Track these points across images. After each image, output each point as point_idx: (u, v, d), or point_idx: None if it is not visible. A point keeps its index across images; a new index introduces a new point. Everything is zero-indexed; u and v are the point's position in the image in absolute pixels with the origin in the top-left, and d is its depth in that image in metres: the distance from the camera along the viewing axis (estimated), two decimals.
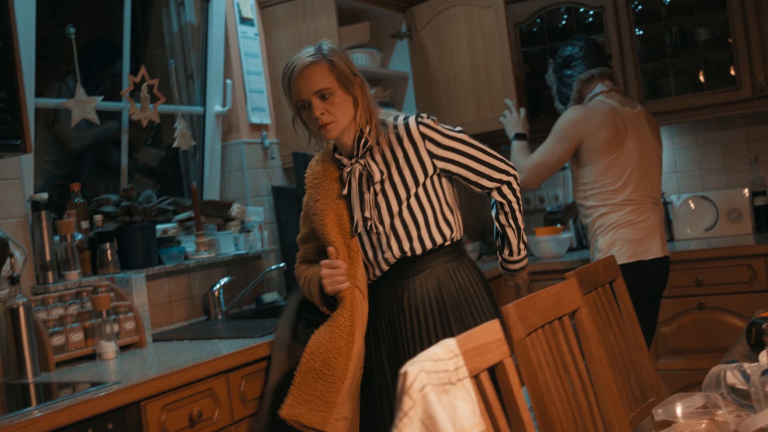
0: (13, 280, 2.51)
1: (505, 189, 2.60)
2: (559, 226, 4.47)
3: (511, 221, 2.64)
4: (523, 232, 2.69)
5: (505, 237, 2.68)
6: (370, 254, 2.54)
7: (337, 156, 2.55)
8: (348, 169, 2.51)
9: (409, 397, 1.42)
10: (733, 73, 4.24)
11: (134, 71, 3.29)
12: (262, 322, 3.14)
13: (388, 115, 2.55)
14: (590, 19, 4.57)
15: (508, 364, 1.74)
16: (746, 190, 4.42)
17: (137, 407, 2.25)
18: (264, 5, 3.99)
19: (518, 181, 2.62)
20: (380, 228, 2.50)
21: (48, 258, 2.80)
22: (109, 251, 2.99)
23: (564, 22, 4.66)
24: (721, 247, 3.99)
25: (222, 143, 3.82)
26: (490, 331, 1.74)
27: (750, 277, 3.89)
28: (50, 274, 2.80)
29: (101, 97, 3.09)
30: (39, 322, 2.59)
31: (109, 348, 2.70)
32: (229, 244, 3.56)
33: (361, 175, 2.48)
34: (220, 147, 3.80)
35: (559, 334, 2.19)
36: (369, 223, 2.49)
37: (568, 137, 3.58)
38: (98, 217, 3.08)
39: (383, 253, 2.51)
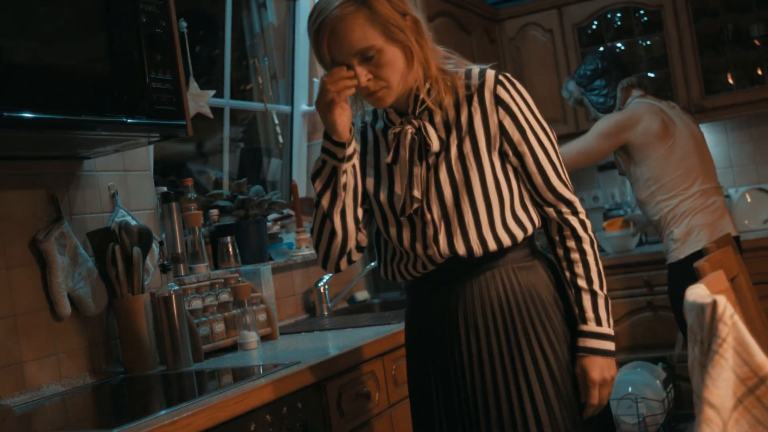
0: (164, 269, 2.47)
1: (567, 214, 1.90)
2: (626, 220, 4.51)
3: (575, 260, 1.89)
4: (600, 291, 1.89)
5: (569, 288, 1.91)
6: (410, 244, 1.91)
7: (386, 109, 1.94)
8: (396, 130, 1.90)
9: (724, 324, 1.42)
10: None
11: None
12: (380, 314, 3.13)
13: (456, 65, 1.93)
14: (645, 18, 4.65)
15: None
16: None
17: (319, 387, 2.22)
18: None
19: (586, 216, 1.94)
20: (428, 215, 1.87)
21: (180, 250, 2.76)
22: (230, 245, 2.95)
23: (619, 23, 4.74)
24: None
25: (307, 142, 3.81)
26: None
27: None
28: (182, 266, 2.76)
29: (214, 92, 3.07)
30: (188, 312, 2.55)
31: (251, 338, 2.66)
32: None
33: (413, 140, 1.88)
34: (306, 146, 3.79)
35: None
36: (416, 206, 1.87)
37: (612, 134, 3.60)
38: (214, 212, 3.05)
39: (426, 248, 1.88)
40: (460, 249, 1.86)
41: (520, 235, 1.88)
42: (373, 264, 3.56)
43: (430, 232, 1.87)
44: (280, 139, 3.50)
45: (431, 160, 1.87)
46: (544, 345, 1.86)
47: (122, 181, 2.64)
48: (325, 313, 3.37)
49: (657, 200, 3.62)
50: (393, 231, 1.93)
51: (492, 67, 1.91)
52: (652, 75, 4.64)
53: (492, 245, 1.86)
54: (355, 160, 1.88)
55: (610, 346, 1.87)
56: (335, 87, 1.78)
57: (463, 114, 1.87)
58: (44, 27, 1.94)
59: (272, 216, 3.39)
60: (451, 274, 1.91)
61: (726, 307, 1.45)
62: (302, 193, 3.78)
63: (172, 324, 2.45)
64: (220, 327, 2.66)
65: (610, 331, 1.88)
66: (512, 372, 1.85)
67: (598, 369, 1.86)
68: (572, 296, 1.89)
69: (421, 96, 1.87)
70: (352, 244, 1.95)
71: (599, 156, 3.71)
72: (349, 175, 1.87)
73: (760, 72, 4.43)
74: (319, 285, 3.39)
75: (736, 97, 4.37)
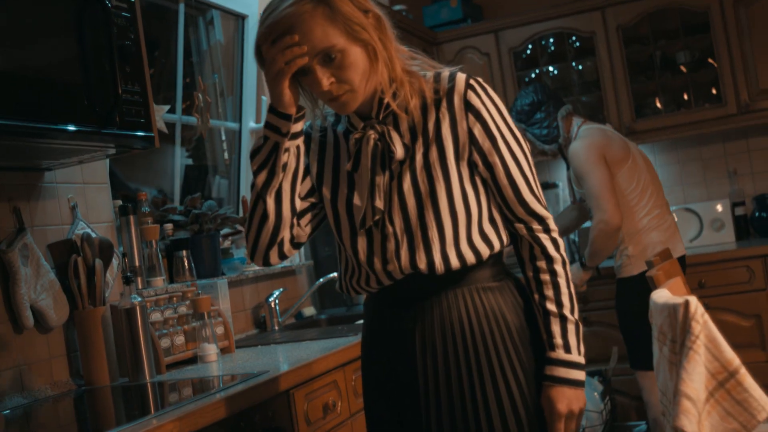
0: (128, 281, 2.47)
1: (538, 231, 1.75)
2: None
3: (545, 281, 1.74)
4: (571, 315, 1.73)
5: (538, 311, 1.76)
6: (367, 259, 1.75)
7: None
8: (357, 135, 1.75)
9: (697, 322, 1.53)
10: (714, 92, 4.57)
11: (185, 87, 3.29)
12: (332, 328, 3.16)
13: (422, 67, 1.78)
14: (578, 44, 4.83)
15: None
16: (723, 203, 4.72)
17: (287, 396, 2.25)
18: None
19: (558, 234, 1.78)
20: (389, 228, 1.72)
21: (137, 264, 2.76)
22: (185, 259, 2.96)
23: (553, 48, 4.91)
24: (722, 251, 4.26)
25: None
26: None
27: (749, 278, 4.16)
28: (140, 280, 2.75)
29: (168, 107, 3.08)
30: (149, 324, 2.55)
31: (211, 350, 2.67)
32: None
33: (375, 147, 1.73)
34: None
35: None
36: (377, 217, 1.72)
37: (597, 160, 3.61)
38: (168, 226, 3.05)
39: (386, 263, 1.73)
40: (422, 264, 1.70)
41: (485, 252, 1.72)
42: (322, 280, 3.59)
43: (391, 246, 1.72)
44: (226, 156, 3.52)
45: (395, 168, 1.72)
46: (507, 375, 1.70)
47: (81, 193, 2.63)
48: (276, 327, 3.39)
49: None
50: (348, 242, 1.78)
51: (462, 71, 1.76)
52: (584, 99, 4.82)
53: (455, 262, 1.70)
54: (300, 143, 1.74)
55: (579, 375, 1.70)
56: (284, 57, 1.61)
57: (430, 120, 1.72)
58: (13, 30, 1.94)
59: (223, 231, 3.40)
60: (409, 292, 1.76)
61: (697, 306, 1.55)
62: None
63: (135, 336, 2.44)
64: (180, 339, 2.67)
65: (580, 359, 1.71)
66: (471, 403, 1.70)
67: (566, 400, 1.70)
68: (540, 320, 1.74)
69: (386, 99, 1.71)
70: (285, 233, 1.79)
71: (612, 182, 3.61)
72: (291, 155, 1.73)
73: (686, 97, 4.65)
74: (270, 300, 3.41)
75: (665, 121, 4.57)
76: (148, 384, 2.40)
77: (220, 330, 2.83)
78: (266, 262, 1.84)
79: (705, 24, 4.55)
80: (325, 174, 1.84)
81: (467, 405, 1.71)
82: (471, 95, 1.72)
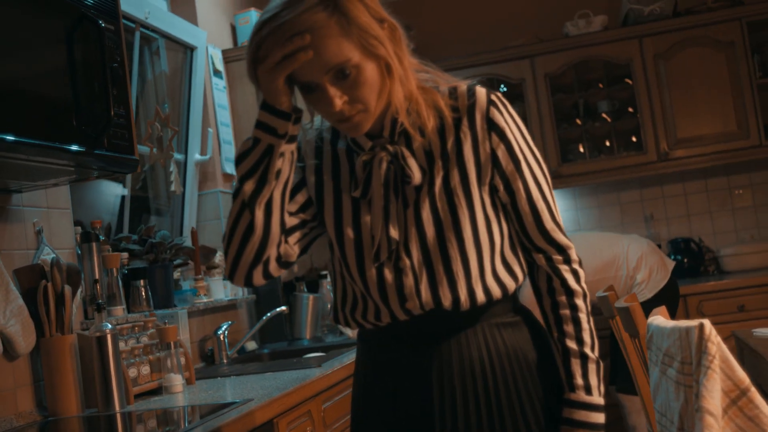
0: (99, 308, 2.41)
1: (558, 262, 1.61)
2: None
3: (565, 317, 1.59)
4: (592, 353, 1.59)
5: (557, 348, 1.61)
6: (381, 295, 1.58)
7: None
8: (366, 158, 1.57)
9: (712, 343, 1.61)
10: (635, 140, 4.81)
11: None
12: (280, 362, 3.15)
13: (436, 81, 1.60)
14: (505, 89, 5.00)
15: None
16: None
17: (272, 425, 2.23)
18: (228, 60, 4.06)
19: (579, 265, 1.63)
20: (405, 261, 1.56)
21: (98, 292, 2.69)
22: (143, 289, 2.90)
23: None
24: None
25: (198, 192, 3.80)
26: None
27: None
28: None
29: None
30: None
31: (176, 381, 2.62)
32: (219, 290, 3.52)
33: (388, 170, 1.57)
34: (197, 195, 3.78)
35: None
36: (393, 248, 1.56)
37: None
38: (124, 255, 2.98)
39: (404, 300, 1.56)
40: (446, 301, 1.54)
41: (511, 285, 1.59)
42: (269, 314, 3.57)
43: (409, 281, 1.55)
44: (173, 188, 3.47)
45: (410, 194, 1.56)
46: (528, 417, 1.57)
47: (45, 218, 2.56)
48: (224, 360, 3.34)
49: None
50: (356, 275, 1.60)
51: (480, 84, 1.61)
52: None
53: (481, 297, 1.55)
54: (294, 148, 1.55)
55: (599, 418, 1.56)
56: (283, 50, 1.42)
57: (449, 140, 1.56)
58: (6, 44, 1.89)
59: (175, 262, 3.34)
60: (422, 328, 1.59)
61: (711, 328, 1.64)
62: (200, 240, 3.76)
63: (106, 365, 2.38)
64: (146, 369, 2.61)
65: (601, 401, 1.57)
66: None
67: None
68: (559, 358, 1.59)
69: (400, 119, 1.54)
70: (272, 251, 1.58)
71: None
72: (286, 162, 1.53)
73: (608, 143, 4.87)
74: (219, 332, 3.36)
75: (588, 166, 4.77)
76: (118, 414, 2.33)
77: (182, 361, 2.77)
78: (248, 282, 1.61)
79: (627, 75, 4.79)
80: (325, 195, 1.64)
81: None
82: (494, 113, 1.56)
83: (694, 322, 1.65)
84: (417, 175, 1.55)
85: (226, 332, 3.37)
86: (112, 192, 3.58)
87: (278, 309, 3.55)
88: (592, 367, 1.57)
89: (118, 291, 2.77)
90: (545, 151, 4.77)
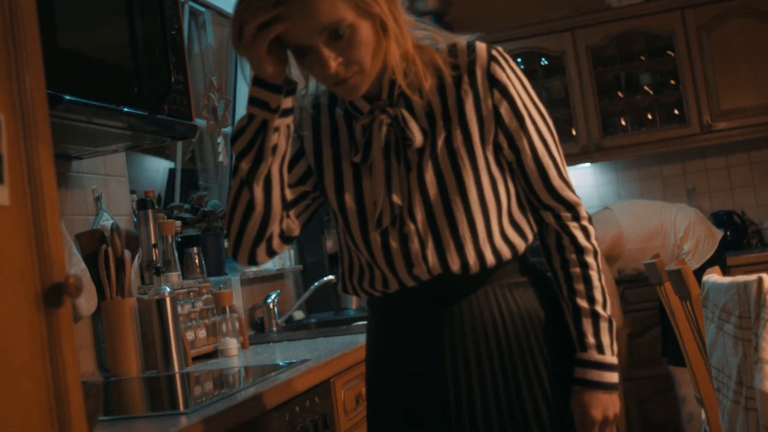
0: (158, 271, 2.46)
1: (567, 219, 1.58)
2: None
3: (575, 274, 1.56)
4: (603, 311, 1.56)
5: (567, 307, 1.58)
6: (387, 262, 1.55)
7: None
8: (365, 121, 1.53)
9: None
10: (677, 112, 4.79)
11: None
12: (335, 328, 3.20)
13: (433, 38, 1.55)
14: (545, 62, 5.00)
15: None
16: None
17: (328, 384, 2.28)
18: None
19: (589, 221, 1.60)
20: (410, 226, 1.52)
21: (155, 258, 2.74)
22: (196, 256, 2.96)
23: (522, 66, 5.06)
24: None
25: None
26: None
27: None
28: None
29: None
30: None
31: (232, 344, 2.67)
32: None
33: (389, 133, 1.52)
34: None
35: None
36: (396, 214, 1.53)
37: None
38: (177, 223, 3.04)
39: (412, 266, 1.52)
40: (455, 265, 1.51)
41: (521, 245, 1.56)
42: (317, 283, 3.62)
43: (415, 246, 1.51)
44: (221, 158, 3.53)
45: (412, 157, 1.52)
46: (543, 379, 1.54)
47: (103, 185, 2.62)
48: (274, 329, 3.40)
49: None
50: (360, 243, 1.57)
51: (480, 39, 1.55)
52: (553, 116, 4.97)
53: (491, 259, 1.52)
54: (290, 122, 1.50)
55: (613, 378, 1.53)
56: (255, 20, 1.39)
57: (450, 99, 1.51)
58: (75, 13, 1.94)
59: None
60: (435, 292, 1.55)
61: None
62: None
63: (165, 327, 2.44)
64: (202, 333, 2.67)
65: (614, 360, 1.54)
66: (508, 409, 1.54)
67: (601, 406, 1.53)
68: (570, 317, 1.56)
69: (398, 80, 1.49)
70: (275, 228, 1.56)
71: (613, 282, 3.81)
72: (282, 136, 1.49)
73: (650, 117, 4.85)
74: (268, 301, 3.42)
75: (630, 139, 4.76)
76: (177, 375, 2.39)
77: (236, 325, 2.83)
78: (252, 260, 1.60)
79: (669, 47, 4.77)
80: (324, 163, 1.60)
81: (504, 411, 1.53)
82: (495, 68, 1.50)
83: (752, 277, 1.67)
84: (418, 138, 1.51)
85: (276, 301, 3.43)
86: (157, 167, 3.65)
87: (325, 279, 3.60)
88: (604, 326, 1.54)
89: (173, 257, 2.82)
90: (587, 124, 4.77)
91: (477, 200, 1.51)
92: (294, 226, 1.62)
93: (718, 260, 3.77)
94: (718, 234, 3.88)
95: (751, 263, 4.32)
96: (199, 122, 3.35)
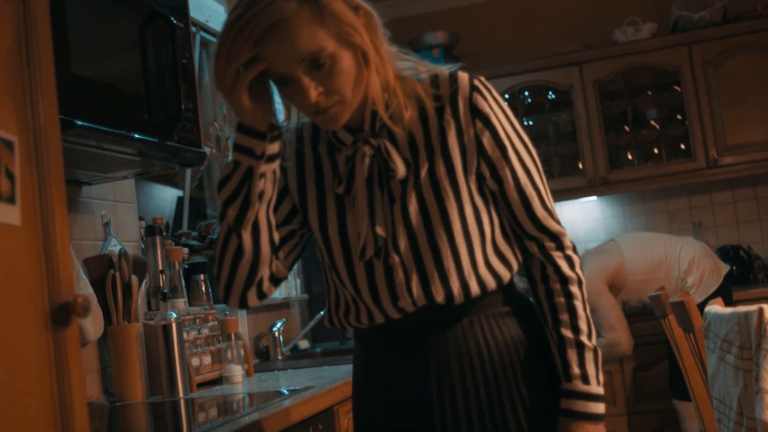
0: (164, 297, 2.48)
1: (551, 249, 1.56)
2: None
3: (559, 304, 1.54)
4: (588, 341, 1.54)
5: (552, 337, 1.56)
6: (372, 296, 1.54)
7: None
8: (348, 153, 1.53)
9: None
10: (683, 147, 4.81)
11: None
12: (340, 357, 3.20)
13: (416, 69, 1.55)
14: (553, 96, 5.03)
15: None
16: None
17: (332, 411, 2.28)
18: None
19: (573, 251, 1.58)
20: (395, 257, 1.51)
21: (162, 284, 2.77)
22: (203, 283, 2.98)
23: (530, 100, 5.11)
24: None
25: None
26: None
27: None
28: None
29: None
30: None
31: (236, 372, 2.68)
32: None
33: (371, 164, 1.52)
34: None
35: None
36: (379, 245, 1.52)
37: (600, 290, 3.83)
38: (185, 250, 3.06)
39: (397, 299, 1.52)
40: (439, 296, 1.50)
41: (506, 275, 1.55)
42: (322, 312, 3.63)
43: (399, 278, 1.51)
44: None
45: (395, 188, 1.51)
46: (529, 410, 1.53)
47: (112, 211, 2.65)
48: (279, 357, 3.41)
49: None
50: (345, 277, 1.56)
51: (462, 69, 1.55)
52: (560, 150, 5.00)
53: (475, 289, 1.51)
54: (276, 167, 1.51)
55: (599, 408, 1.52)
56: (230, 65, 1.38)
57: (433, 130, 1.52)
58: (91, 41, 1.98)
59: None
60: (416, 324, 1.54)
61: None
62: None
63: (171, 352, 2.45)
64: (207, 360, 2.68)
65: (600, 391, 1.53)
66: None
67: None
68: (555, 347, 1.55)
69: (379, 111, 1.49)
70: (264, 271, 1.57)
71: (617, 306, 3.85)
72: (268, 182, 1.49)
73: (656, 151, 4.88)
74: (274, 330, 3.43)
75: (636, 173, 4.78)
76: (182, 401, 2.40)
77: (241, 353, 2.84)
78: (243, 304, 1.60)
79: (675, 82, 4.80)
80: (308, 199, 1.60)
81: None
82: (477, 98, 1.50)
83: (753, 307, 1.68)
84: (401, 169, 1.50)
85: (281, 329, 3.44)
86: (166, 196, 3.68)
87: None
88: (589, 356, 1.52)
89: (179, 284, 2.84)
90: (593, 158, 4.79)
91: (461, 231, 1.50)
92: (283, 267, 1.63)
93: (723, 294, 3.77)
94: (724, 268, 3.88)
95: (757, 298, 4.31)
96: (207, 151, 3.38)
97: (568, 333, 1.52)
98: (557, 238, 1.55)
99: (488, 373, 1.52)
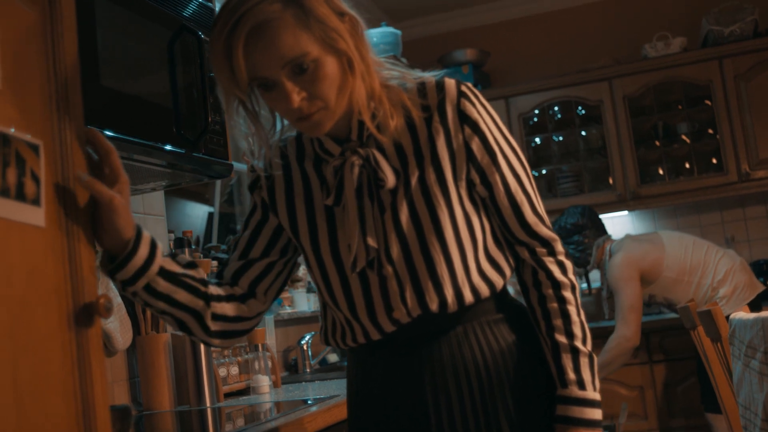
0: None
1: (542, 254, 1.55)
2: None
3: (552, 310, 1.53)
4: (583, 347, 1.52)
5: (546, 343, 1.54)
6: (367, 309, 1.51)
7: (319, 136, 1.52)
8: (336, 163, 1.51)
9: None
10: (714, 161, 4.78)
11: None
12: None
13: (403, 78, 1.53)
14: (583, 111, 5.03)
15: None
16: None
17: None
18: None
19: (566, 256, 1.58)
20: (388, 268, 1.48)
21: None
22: None
23: (560, 115, 5.11)
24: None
25: None
26: None
27: None
28: None
29: None
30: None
31: (264, 382, 2.70)
32: (302, 302, 3.62)
33: (361, 174, 1.50)
34: None
35: None
36: (371, 256, 1.49)
37: (630, 277, 3.81)
38: (214, 263, 3.10)
39: (392, 310, 1.49)
40: (433, 305, 1.47)
41: (499, 282, 1.53)
42: None
43: (394, 288, 1.48)
44: None
45: (385, 198, 1.49)
46: (527, 417, 1.51)
47: (141, 223, 2.66)
48: (308, 370, 3.43)
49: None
50: (340, 294, 1.52)
51: (449, 75, 1.54)
52: (590, 165, 4.99)
53: (469, 297, 1.49)
54: (162, 262, 1.47)
55: (595, 414, 1.49)
56: (88, 183, 1.32)
57: (422, 138, 1.50)
58: (122, 57, 2.03)
59: None
60: (411, 333, 1.51)
61: None
62: None
63: (198, 362, 2.48)
64: (234, 370, 2.70)
65: (596, 396, 1.50)
66: None
67: None
68: (549, 353, 1.52)
69: (364, 119, 1.46)
70: (208, 320, 1.55)
71: (641, 299, 3.83)
72: (161, 284, 1.47)
73: (687, 165, 4.85)
74: (302, 343, 3.45)
75: (667, 187, 4.76)
76: (209, 410, 2.43)
77: (269, 364, 2.86)
78: (226, 343, 1.63)
79: (706, 96, 4.78)
80: (298, 219, 1.56)
81: None
82: (465, 104, 1.49)
83: None
84: (391, 179, 1.48)
85: (309, 342, 3.46)
86: (197, 213, 3.73)
87: None
88: (584, 361, 1.50)
89: None
90: (624, 172, 4.77)
91: (453, 238, 1.48)
92: (262, 301, 1.61)
93: (754, 308, 3.73)
94: (759, 287, 3.83)
95: None
96: (238, 166, 3.42)
97: (562, 338, 1.50)
98: (549, 244, 1.54)
99: (483, 380, 1.50)
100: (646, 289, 3.88)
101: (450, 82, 1.50)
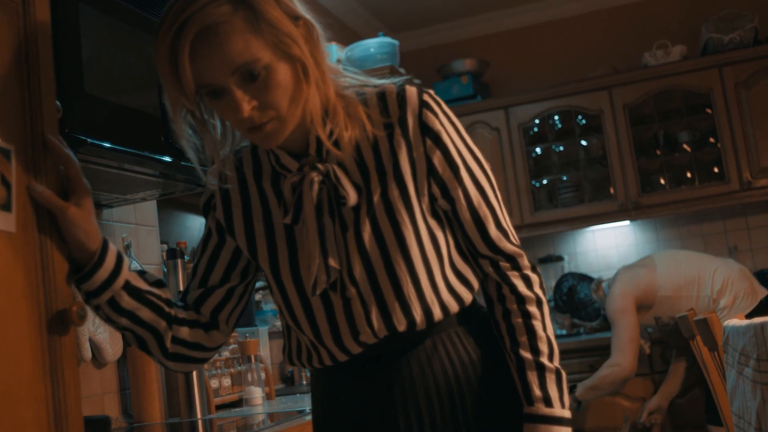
0: None
1: (506, 269, 1.47)
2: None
3: (516, 325, 1.45)
4: (549, 363, 1.45)
5: (511, 360, 1.46)
6: (332, 333, 1.42)
7: (275, 150, 1.44)
8: (294, 180, 1.41)
9: None
10: (716, 170, 4.75)
11: None
12: None
13: (362, 86, 1.45)
14: (584, 121, 5.00)
15: None
16: None
17: None
18: None
19: (533, 270, 1.49)
20: (351, 290, 1.40)
21: None
22: None
23: (559, 125, 5.08)
24: None
25: None
26: None
27: None
28: None
29: None
30: None
31: (256, 394, 2.68)
32: None
33: (320, 191, 1.40)
34: None
35: None
36: (333, 278, 1.40)
37: (626, 308, 3.83)
38: None
39: (358, 333, 1.40)
40: (401, 326, 1.39)
41: (468, 297, 1.46)
42: None
43: (358, 310, 1.39)
44: None
45: (347, 215, 1.40)
46: (497, 427, 1.45)
47: (133, 234, 2.67)
48: (304, 382, 3.39)
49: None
50: (302, 318, 1.44)
51: (409, 82, 1.45)
52: (591, 175, 4.96)
53: (438, 315, 1.42)
54: (128, 277, 1.41)
55: (563, 431, 1.42)
56: (41, 194, 1.29)
57: (383, 151, 1.41)
58: (103, 62, 2.02)
59: (258, 284, 3.43)
60: (378, 352, 1.43)
61: None
62: None
63: (189, 374, 2.45)
64: (227, 382, 2.68)
65: (564, 414, 1.42)
66: None
67: None
68: (514, 370, 1.45)
69: (318, 131, 1.37)
70: (167, 342, 1.49)
71: (636, 330, 3.84)
72: (125, 299, 1.42)
73: (689, 174, 4.82)
74: None
75: (669, 197, 4.72)
76: (200, 422, 2.40)
77: (262, 375, 2.84)
78: (188, 369, 1.57)
79: (707, 104, 4.75)
80: (257, 241, 1.47)
81: None
82: (427, 115, 1.40)
83: None
84: (352, 196, 1.39)
85: None
86: (192, 224, 3.71)
87: None
88: (550, 377, 1.42)
89: None
90: (625, 182, 4.74)
91: (419, 256, 1.40)
92: (222, 330, 1.53)
93: (760, 316, 3.69)
94: (762, 292, 3.79)
95: None
96: None
97: (527, 354, 1.43)
98: (513, 259, 1.46)
99: (454, 392, 1.43)
100: (648, 313, 3.85)
101: (411, 92, 1.41)
